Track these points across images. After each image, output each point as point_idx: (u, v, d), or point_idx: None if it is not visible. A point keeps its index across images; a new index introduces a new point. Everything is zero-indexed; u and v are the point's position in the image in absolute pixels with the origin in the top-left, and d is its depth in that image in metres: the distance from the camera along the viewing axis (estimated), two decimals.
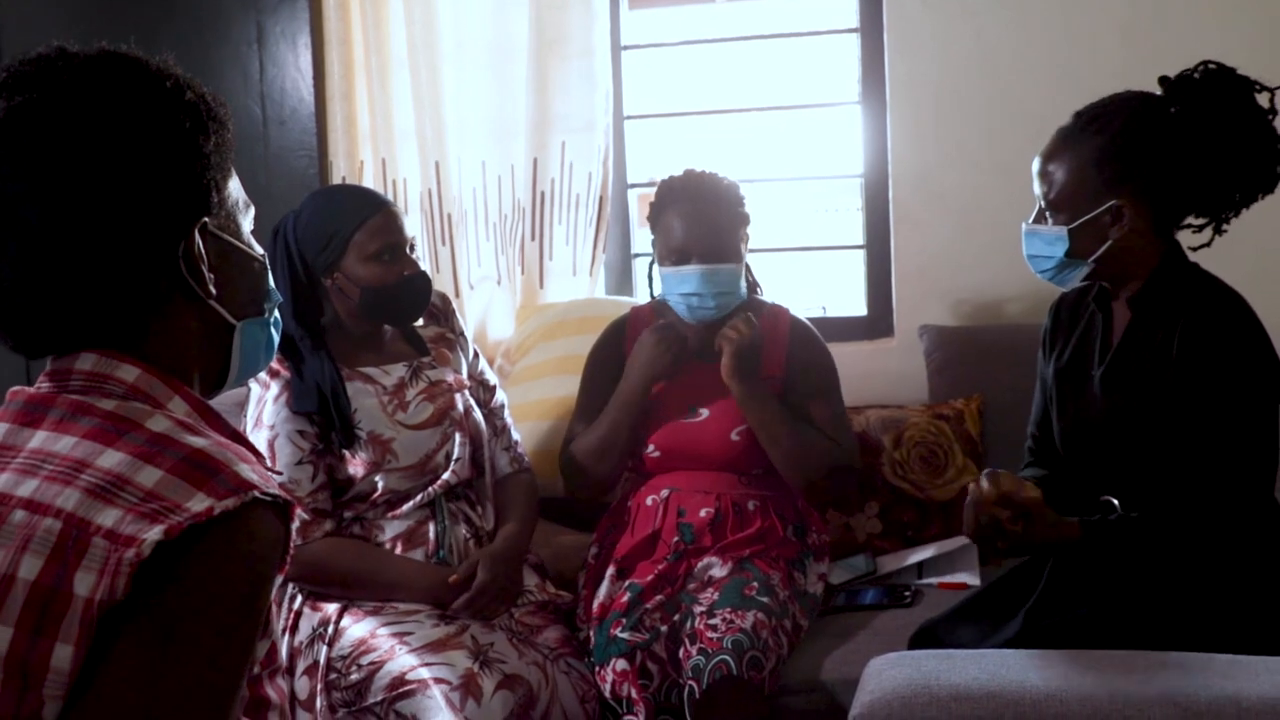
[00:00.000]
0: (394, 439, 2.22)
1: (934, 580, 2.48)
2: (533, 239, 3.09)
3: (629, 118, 3.25)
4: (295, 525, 1.06)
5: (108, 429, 1.03)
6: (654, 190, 2.49)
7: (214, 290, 1.13)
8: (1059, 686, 1.44)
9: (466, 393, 2.37)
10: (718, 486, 2.38)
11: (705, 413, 2.40)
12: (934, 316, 2.98)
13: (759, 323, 2.38)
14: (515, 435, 2.48)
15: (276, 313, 1.24)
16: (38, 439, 1.05)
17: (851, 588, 2.49)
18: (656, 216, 2.42)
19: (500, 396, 2.48)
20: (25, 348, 1.11)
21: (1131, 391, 1.91)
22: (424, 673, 1.95)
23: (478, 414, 2.37)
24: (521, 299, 3.12)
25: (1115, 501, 1.89)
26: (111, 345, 1.09)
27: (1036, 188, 1.98)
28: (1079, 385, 2.01)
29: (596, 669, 2.12)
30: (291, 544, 1.05)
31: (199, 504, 0.96)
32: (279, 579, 1.05)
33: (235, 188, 1.19)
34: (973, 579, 2.44)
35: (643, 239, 3.40)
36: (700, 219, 2.36)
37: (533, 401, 2.84)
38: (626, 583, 2.28)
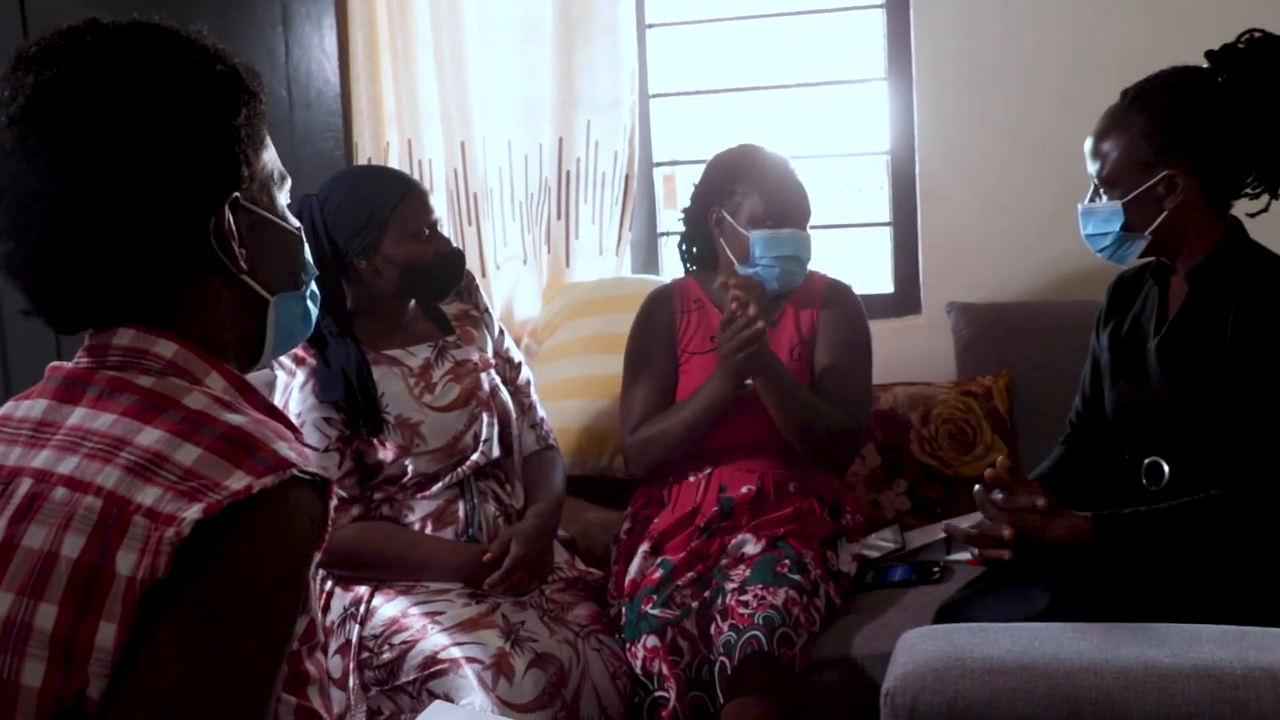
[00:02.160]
0: (422, 422, 2.23)
1: (963, 556, 2.47)
2: (559, 218, 3.10)
3: (654, 96, 3.24)
4: (334, 503, 1.06)
5: (146, 406, 1.03)
6: (708, 166, 2.50)
7: (245, 265, 1.12)
8: (1093, 659, 1.44)
9: (492, 371, 2.38)
10: (761, 465, 2.38)
11: (748, 383, 2.36)
12: (961, 293, 2.97)
13: (801, 287, 2.46)
14: (541, 413, 2.48)
15: (314, 285, 1.23)
16: (77, 416, 1.04)
17: (880, 565, 2.49)
18: (732, 184, 2.43)
19: (526, 374, 2.49)
20: (59, 323, 1.11)
21: (1185, 365, 1.91)
22: (456, 652, 1.96)
23: (504, 392, 2.38)
24: (548, 278, 3.13)
25: (1164, 464, 1.91)
26: (146, 320, 1.09)
27: (1090, 167, 2.00)
28: (1133, 355, 2.01)
29: (627, 645, 2.12)
30: (330, 520, 1.05)
31: (238, 482, 0.96)
32: (318, 555, 1.05)
33: (270, 159, 1.17)
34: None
35: (669, 218, 3.40)
36: (789, 184, 2.42)
37: (560, 380, 2.85)
38: (659, 559, 2.28)
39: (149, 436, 1.00)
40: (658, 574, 2.23)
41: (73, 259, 1.06)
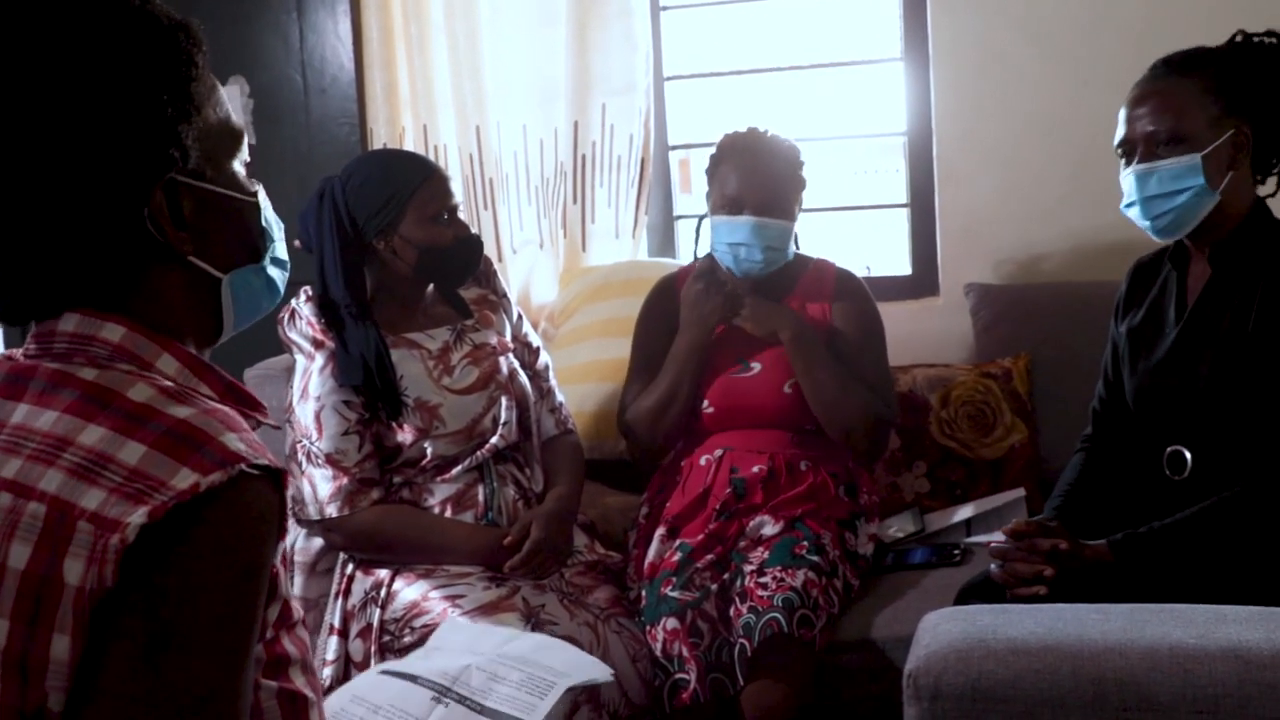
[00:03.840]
0: (441, 405, 2.23)
1: (983, 538, 2.47)
2: (575, 202, 3.09)
3: (669, 79, 3.23)
4: (290, 491, 1.01)
5: (88, 401, 0.98)
6: (711, 147, 2.49)
7: (191, 247, 1.06)
8: (1118, 639, 1.43)
9: (510, 355, 2.37)
10: (771, 445, 2.38)
11: (757, 366, 2.40)
12: (979, 275, 2.96)
13: (806, 278, 2.44)
14: (560, 397, 2.48)
15: (280, 249, 1.16)
16: (20, 414, 1.00)
17: (900, 547, 2.48)
18: (714, 168, 2.43)
19: (544, 358, 2.49)
20: (11, 314, 1.06)
21: (1208, 351, 1.88)
22: None
23: (523, 376, 2.38)
24: (564, 262, 3.12)
25: (1186, 453, 1.89)
26: (94, 303, 1.03)
27: (1142, 127, 1.89)
28: (1153, 342, 1.98)
29: (647, 628, 2.12)
30: (288, 509, 1.00)
31: (184, 481, 0.91)
32: (280, 545, 1.01)
33: (216, 123, 1.09)
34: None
35: (684, 201, 3.39)
36: (757, 171, 2.37)
37: (578, 364, 2.85)
38: (677, 542, 2.28)
39: (91, 435, 0.95)
40: (676, 556, 2.24)
41: (3, 245, 1.01)
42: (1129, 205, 1.94)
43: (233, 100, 3.08)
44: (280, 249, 1.17)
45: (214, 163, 1.08)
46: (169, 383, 1.02)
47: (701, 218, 2.53)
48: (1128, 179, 1.92)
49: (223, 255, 1.10)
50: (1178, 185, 1.87)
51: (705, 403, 2.41)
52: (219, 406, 1.01)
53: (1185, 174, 1.86)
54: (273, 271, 1.16)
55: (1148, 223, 1.92)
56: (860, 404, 2.35)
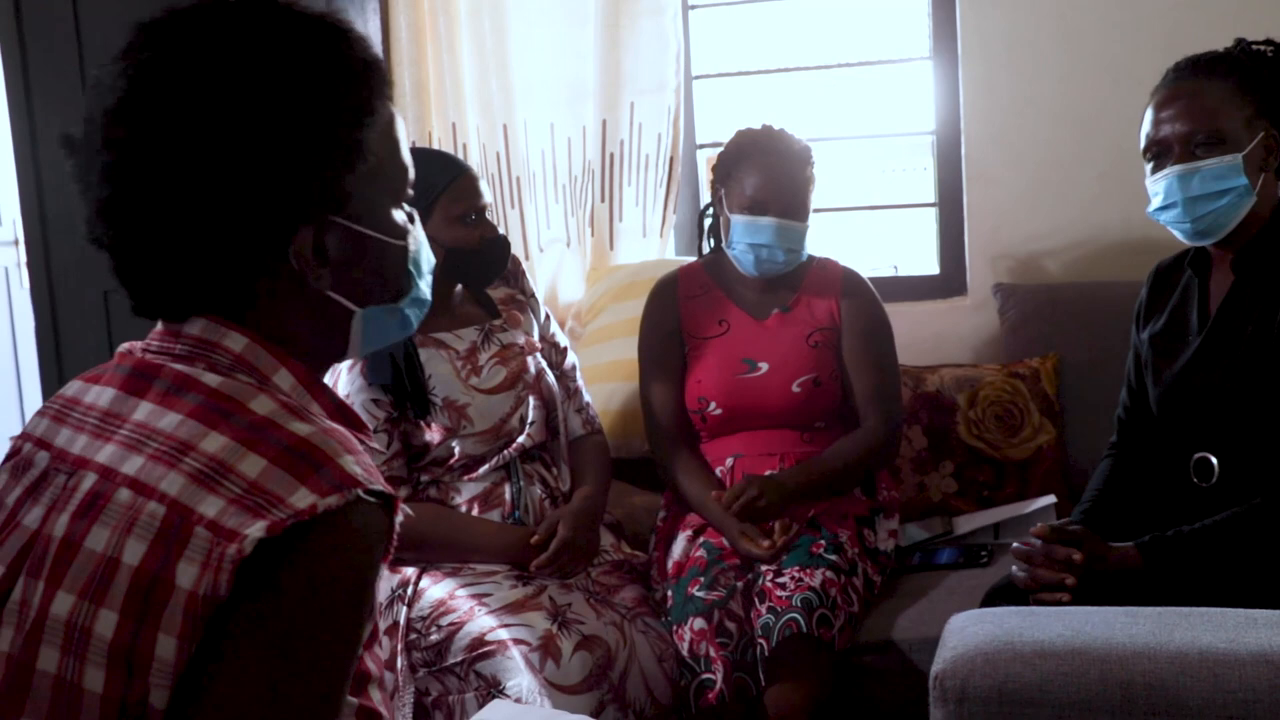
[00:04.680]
0: (469, 404, 2.24)
1: (1012, 542, 2.46)
2: (602, 201, 3.09)
3: (697, 77, 3.23)
4: (399, 517, 1.02)
5: (211, 408, 0.99)
6: (727, 143, 2.48)
7: (328, 283, 1.07)
8: (1146, 643, 1.42)
9: (538, 355, 2.38)
10: (781, 446, 2.39)
11: (765, 366, 2.40)
12: (1008, 275, 2.95)
13: (811, 275, 2.45)
14: (587, 397, 2.49)
15: (423, 288, 1.17)
16: (142, 411, 1.02)
17: (927, 547, 2.48)
18: (731, 167, 2.42)
19: (571, 358, 2.50)
20: (140, 307, 1.08)
21: (1232, 357, 1.87)
22: (503, 634, 1.97)
23: (550, 376, 2.38)
24: (591, 261, 3.13)
25: (1213, 460, 1.88)
26: (221, 310, 1.06)
27: (1177, 127, 1.87)
28: (1175, 349, 1.97)
29: (674, 628, 2.13)
30: (395, 533, 1.02)
31: (302, 500, 0.93)
32: (384, 567, 1.02)
33: (386, 161, 1.10)
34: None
35: None
36: (780, 173, 2.37)
37: (604, 363, 2.85)
38: (701, 540, 2.29)
39: (214, 443, 0.97)
40: (700, 553, 2.24)
41: (150, 247, 1.04)
42: (1164, 208, 1.90)
43: None
44: (424, 288, 1.18)
45: (371, 205, 1.10)
46: (286, 397, 1.03)
47: (706, 208, 2.54)
48: (1163, 181, 1.89)
49: (361, 291, 1.11)
50: (1221, 186, 1.84)
51: (713, 404, 2.41)
52: (335, 426, 1.03)
53: (1228, 174, 1.84)
54: (409, 311, 1.17)
55: (1187, 225, 1.89)
56: (868, 457, 2.38)
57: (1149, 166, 1.93)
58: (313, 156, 1.04)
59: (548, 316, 2.49)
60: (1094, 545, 1.83)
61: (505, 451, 2.25)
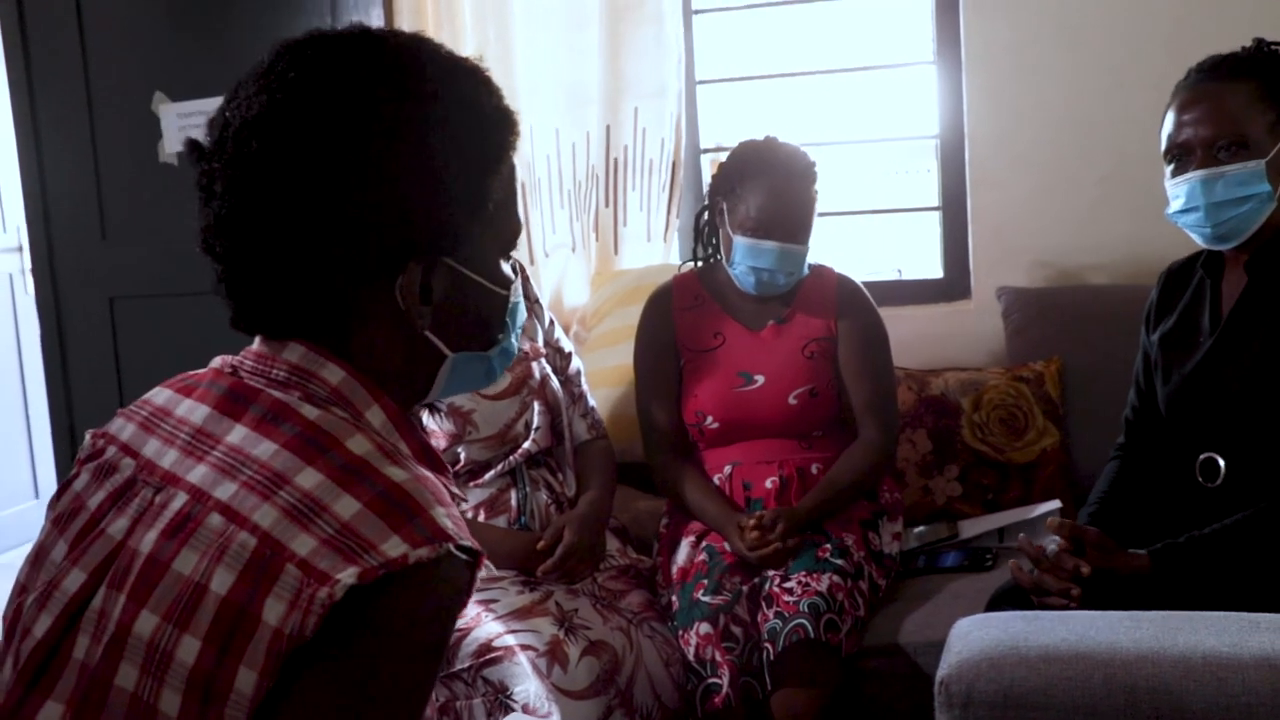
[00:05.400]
0: (474, 410, 2.24)
1: (1016, 545, 2.46)
2: (606, 206, 3.10)
3: (701, 82, 3.24)
4: (482, 573, 1.02)
5: (308, 442, 0.99)
6: (731, 152, 2.48)
7: (429, 323, 1.08)
8: (1150, 647, 1.42)
9: (543, 360, 2.39)
10: (779, 454, 2.40)
11: (761, 379, 2.41)
12: (1012, 278, 2.95)
13: (805, 288, 2.46)
14: (591, 402, 2.50)
15: (514, 340, 1.18)
16: (237, 435, 1.02)
17: (932, 550, 2.48)
18: (735, 182, 2.41)
19: (576, 364, 2.50)
20: (239, 320, 1.08)
21: (1244, 359, 1.87)
22: (510, 640, 1.97)
23: (555, 382, 2.39)
24: (596, 266, 3.14)
25: (1220, 460, 1.89)
26: (320, 337, 1.06)
27: (1200, 131, 1.86)
28: (1186, 350, 1.97)
29: (680, 632, 2.13)
30: (474, 587, 1.02)
31: (394, 549, 0.92)
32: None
33: (501, 211, 1.12)
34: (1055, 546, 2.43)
35: None
36: (786, 197, 2.37)
37: (609, 368, 2.86)
38: (704, 544, 2.30)
39: (309, 479, 0.96)
40: (702, 557, 2.25)
41: (263, 263, 1.04)
42: (1185, 211, 1.89)
43: None
44: (514, 341, 1.18)
45: (482, 252, 1.10)
46: (379, 437, 1.03)
47: (702, 210, 2.54)
48: (1185, 185, 1.88)
49: (456, 335, 1.11)
50: (1244, 191, 1.84)
51: (710, 418, 2.41)
52: (427, 474, 1.02)
53: (1251, 180, 1.83)
54: (496, 361, 1.17)
55: (1208, 230, 1.88)
56: (874, 470, 2.40)
57: (1169, 169, 1.92)
58: (437, 196, 1.04)
59: (552, 322, 2.49)
60: (1106, 551, 1.83)
61: (511, 457, 2.26)
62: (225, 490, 0.97)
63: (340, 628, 0.91)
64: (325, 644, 0.91)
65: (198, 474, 1.00)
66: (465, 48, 3.05)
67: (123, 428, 1.10)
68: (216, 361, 1.11)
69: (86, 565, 1.01)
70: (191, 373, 1.13)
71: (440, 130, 1.04)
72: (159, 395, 1.11)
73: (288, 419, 1.01)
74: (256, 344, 1.09)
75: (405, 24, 3.07)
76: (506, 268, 1.14)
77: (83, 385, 3.40)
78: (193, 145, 1.06)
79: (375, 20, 3.10)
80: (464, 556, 0.97)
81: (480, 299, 1.11)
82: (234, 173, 1.02)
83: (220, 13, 3.18)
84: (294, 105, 1.01)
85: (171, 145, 3.26)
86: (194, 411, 1.06)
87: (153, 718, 0.92)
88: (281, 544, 0.93)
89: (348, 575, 0.91)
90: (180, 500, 0.99)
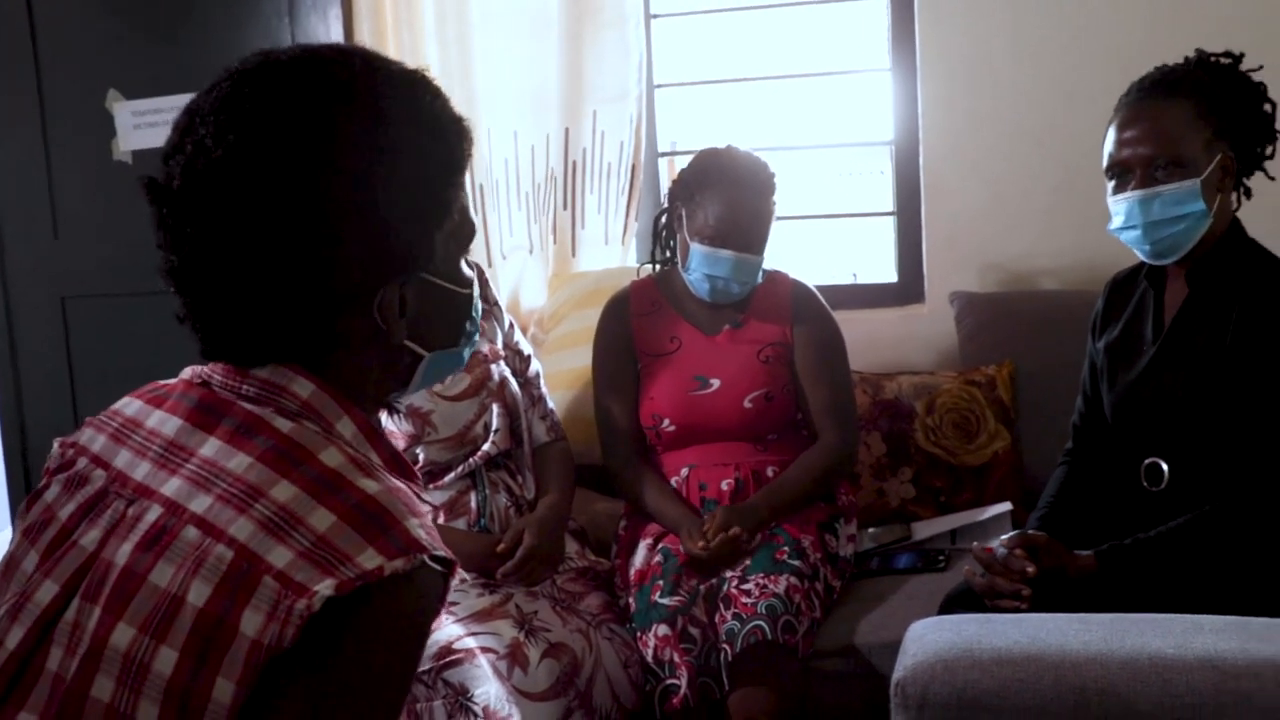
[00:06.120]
0: (433, 411, 2.25)
1: (968, 547, 2.50)
2: (565, 208, 3.12)
3: (659, 86, 3.26)
4: (455, 581, 1.03)
5: (282, 455, 1.00)
6: (691, 159, 2.50)
7: (405, 333, 1.10)
8: (1098, 649, 1.46)
9: (502, 363, 2.40)
10: (735, 457, 2.42)
11: (716, 383, 2.44)
12: (965, 283, 2.99)
13: (759, 295, 2.49)
14: (550, 404, 2.51)
15: (476, 330, 1.21)
16: (210, 448, 1.02)
17: (886, 552, 2.52)
18: (694, 190, 2.44)
19: (535, 366, 2.52)
20: (210, 350, 1.09)
21: (1185, 368, 1.92)
22: (470, 642, 1.99)
23: (514, 384, 2.40)
24: (554, 268, 3.15)
25: (1163, 465, 1.94)
26: (292, 358, 1.06)
27: (1139, 150, 1.90)
28: (1130, 359, 2.02)
29: (638, 634, 2.16)
30: (448, 593, 1.03)
31: (370, 561, 0.94)
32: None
33: (461, 216, 1.14)
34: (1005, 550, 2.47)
35: None
36: (743, 207, 2.40)
37: (566, 370, 2.87)
38: (660, 546, 2.32)
39: (284, 491, 0.97)
40: (659, 559, 2.27)
41: (237, 298, 1.04)
42: (1125, 229, 1.94)
43: None
44: (476, 330, 1.21)
45: (448, 259, 1.13)
46: (350, 449, 1.04)
47: (661, 214, 2.57)
48: (1124, 203, 1.93)
49: (430, 337, 1.13)
50: (1180, 210, 1.89)
51: (666, 421, 2.44)
52: (399, 485, 1.03)
53: (1186, 199, 1.88)
54: (465, 350, 1.20)
55: (1147, 247, 1.94)
56: (823, 479, 2.43)
57: (1110, 185, 1.97)
58: (408, 216, 1.06)
59: (512, 324, 2.51)
60: (1056, 554, 1.87)
61: (471, 459, 2.27)
62: (200, 503, 0.98)
63: (318, 638, 0.92)
64: (303, 654, 0.92)
65: (172, 487, 1.01)
66: (426, 51, 3.06)
67: (93, 439, 1.10)
68: (186, 372, 1.12)
69: (59, 577, 1.01)
70: (161, 383, 1.13)
71: (407, 151, 1.05)
72: (129, 406, 1.12)
73: (261, 432, 1.02)
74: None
75: (365, 27, 3.07)
76: (465, 266, 1.17)
77: (34, 385, 3.37)
78: (152, 184, 1.05)
79: (334, 23, 3.10)
80: (438, 566, 0.98)
81: (449, 302, 1.14)
82: (205, 212, 1.02)
83: (175, 10, 3.16)
84: (261, 142, 1.01)
85: (126, 143, 3.23)
86: (166, 423, 1.06)
87: None
88: (258, 556, 0.94)
89: (325, 587, 0.92)
90: (155, 513, 1.00)
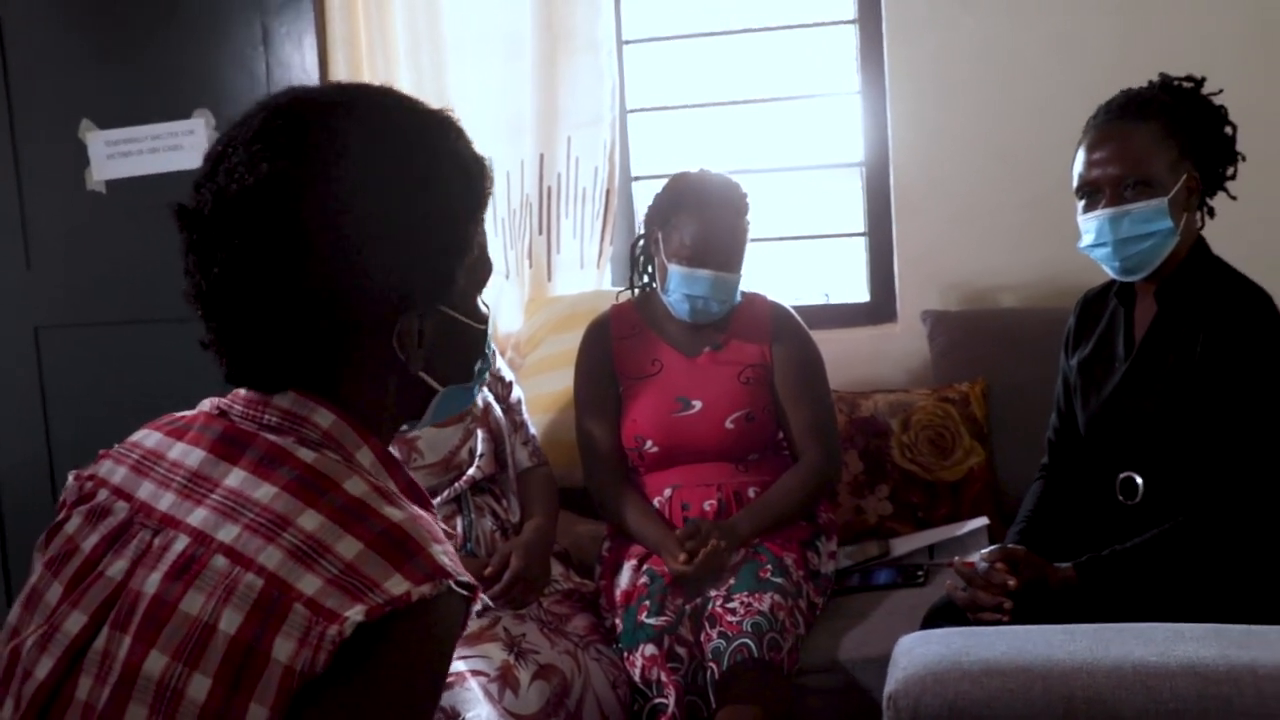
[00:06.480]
0: (419, 437, 2.27)
1: (947, 561, 2.53)
2: (540, 233, 3.14)
3: (632, 111, 3.29)
4: (477, 606, 1.06)
5: (308, 485, 1.02)
6: (665, 183, 2.53)
7: (422, 364, 1.12)
8: (1084, 659, 1.50)
9: (485, 389, 2.42)
10: (717, 477, 2.45)
11: (698, 404, 2.47)
12: (936, 302, 3.04)
13: (739, 315, 2.52)
14: (532, 430, 2.53)
15: (489, 366, 1.24)
16: (235, 479, 1.04)
17: (866, 568, 2.55)
18: (670, 213, 2.48)
19: (517, 392, 2.54)
20: (234, 375, 1.11)
21: (1157, 384, 1.97)
22: (461, 665, 2.00)
23: (497, 409, 2.42)
24: (530, 292, 3.17)
25: (1138, 479, 1.98)
26: (310, 385, 1.09)
27: (1108, 171, 1.96)
28: (1103, 375, 2.07)
29: (625, 654, 2.17)
30: (468, 619, 1.05)
31: (397, 587, 0.96)
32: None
33: (480, 252, 1.17)
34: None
35: None
36: (719, 227, 2.44)
37: (544, 394, 2.89)
38: (645, 568, 2.34)
39: (311, 520, 0.99)
40: (645, 580, 2.29)
41: (264, 326, 1.07)
42: (1095, 246, 2.00)
43: (198, 134, 3.14)
44: (489, 366, 1.23)
45: (466, 294, 1.16)
46: (371, 478, 1.06)
47: (639, 239, 2.60)
48: (1094, 221, 1.98)
49: (445, 371, 1.16)
50: (1148, 228, 1.94)
51: (649, 443, 2.47)
52: (421, 513, 1.05)
53: (1155, 217, 1.94)
54: (477, 387, 1.22)
55: (1116, 264, 1.99)
56: (808, 497, 2.46)
57: (1080, 204, 2.02)
58: (433, 250, 1.09)
59: (493, 350, 2.52)
60: (1035, 567, 1.91)
61: (456, 484, 2.29)
62: (228, 533, 1.00)
63: (348, 663, 0.94)
64: (334, 678, 0.94)
65: (198, 517, 1.02)
66: (400, 77, 3.08)
67: (113, 470, 1.11)
68: (205, 404, 1.14)
69: (87, 607, 1.02)
70: (178, 415, 1.15)
71: (433, 186, 1.08)
72: (148, 438, 1.13)
73: (285, 462, 1.04)
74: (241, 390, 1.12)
75: (340, 55, 3.08)
76: (481, 303, 1.19)
77: (8, 415, 3.34)
78: (182, 210, 1.07)
79: (309, 51, 3.11)
80: (462, 591, 1.00)
81: (464, 336, 1.16)
82: (235, 238, 1.04)
83: (148, 40, 3.16)
84: (293, 172, 1.04)
85: (99, 173, 3.23)
86: (189, 455, 1.08)
87: None
88: (288, 584, 0.96)
89: (356, 613, 0.94)
90: (182, 543, 1.01)
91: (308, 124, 1.06)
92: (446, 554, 1.01)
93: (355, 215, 1.04)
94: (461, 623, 1.03)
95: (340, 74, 3.09)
